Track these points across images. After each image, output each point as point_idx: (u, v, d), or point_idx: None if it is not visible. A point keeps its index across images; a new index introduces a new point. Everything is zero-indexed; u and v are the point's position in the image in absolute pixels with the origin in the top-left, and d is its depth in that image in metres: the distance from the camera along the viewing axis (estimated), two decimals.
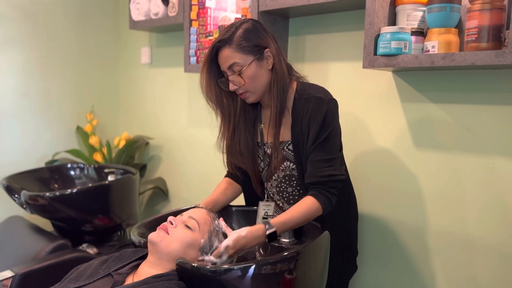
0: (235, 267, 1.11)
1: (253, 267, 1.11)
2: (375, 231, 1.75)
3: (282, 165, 1.45)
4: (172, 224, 1.22)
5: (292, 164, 1.43)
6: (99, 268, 1.18)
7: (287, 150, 1.43)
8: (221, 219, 1.33)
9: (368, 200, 1.75)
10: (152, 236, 1.19)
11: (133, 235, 1.36)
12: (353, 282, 1.79)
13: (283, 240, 1.46)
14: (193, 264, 1.12)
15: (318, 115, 1.33)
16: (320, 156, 1.34)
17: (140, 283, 1.07)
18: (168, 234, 1.19)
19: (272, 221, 1.27)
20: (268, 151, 1.48)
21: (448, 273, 1.57)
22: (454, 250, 1.55)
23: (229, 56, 1.34)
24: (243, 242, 1.22)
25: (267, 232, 1.25)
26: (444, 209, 1.56)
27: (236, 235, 1.21)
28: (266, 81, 1.38)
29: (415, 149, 1.62)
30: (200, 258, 1.21)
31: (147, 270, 1.16)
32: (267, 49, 1.36)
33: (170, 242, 1.17)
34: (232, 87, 1.38)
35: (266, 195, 1.57)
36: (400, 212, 1.67)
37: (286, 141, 1.43)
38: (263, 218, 1.52)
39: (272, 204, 1.54)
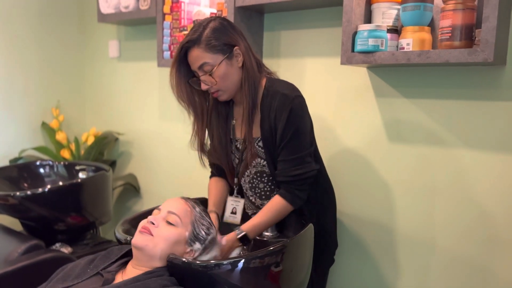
0: (225, 262, 1.13)
1: (242, 261, 1.13)
2: (352, 225, 1.80)
3: (254, 162, 1.47)
4: (153, 224, 1.17)
5: (263, 160, 1.45)
6: (87, 267, 1.16)
7: (257, 146, 1.45)
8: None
9: (345, 194, 1.79)
10: (136, 241, 1.14)
11: (118, 232, 1.35)
12: (333, 274, 1.83)
13: (266, 234, 1.49)
14: (183, 260, 1.12)
15: (283, 113, 1.35)
16: (287, 156, 1.38)
17: (132, 280, 1.06)
18: (153, 235, 1.15)
19: (243, 226, 1.34)
20: (240, 147, 1.49)
21: (427, 264, 1.64)
22: (429, 240, 1.61)
23: (198, 56, 1.33)
24: (225, 250, 1.34)
25: (238, 236, 1.34)
26: (418, 202, 1.62)
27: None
28: (237, 79, 1.39)
29: (389, 143, 1.67)
30: (188, 249, 1.20)
31: (135, 271, 1.14)
32: (236, 47, 1.36)
33: (157, 244, 1.14)
34: (204, 86, 1.38)
35: (236, 191, 1.58)
36: (376, 206, 1.72)
37: (256, 137, 1.44)
38: (231, 213, 1.55)
39: (242, 200, 1.56)
